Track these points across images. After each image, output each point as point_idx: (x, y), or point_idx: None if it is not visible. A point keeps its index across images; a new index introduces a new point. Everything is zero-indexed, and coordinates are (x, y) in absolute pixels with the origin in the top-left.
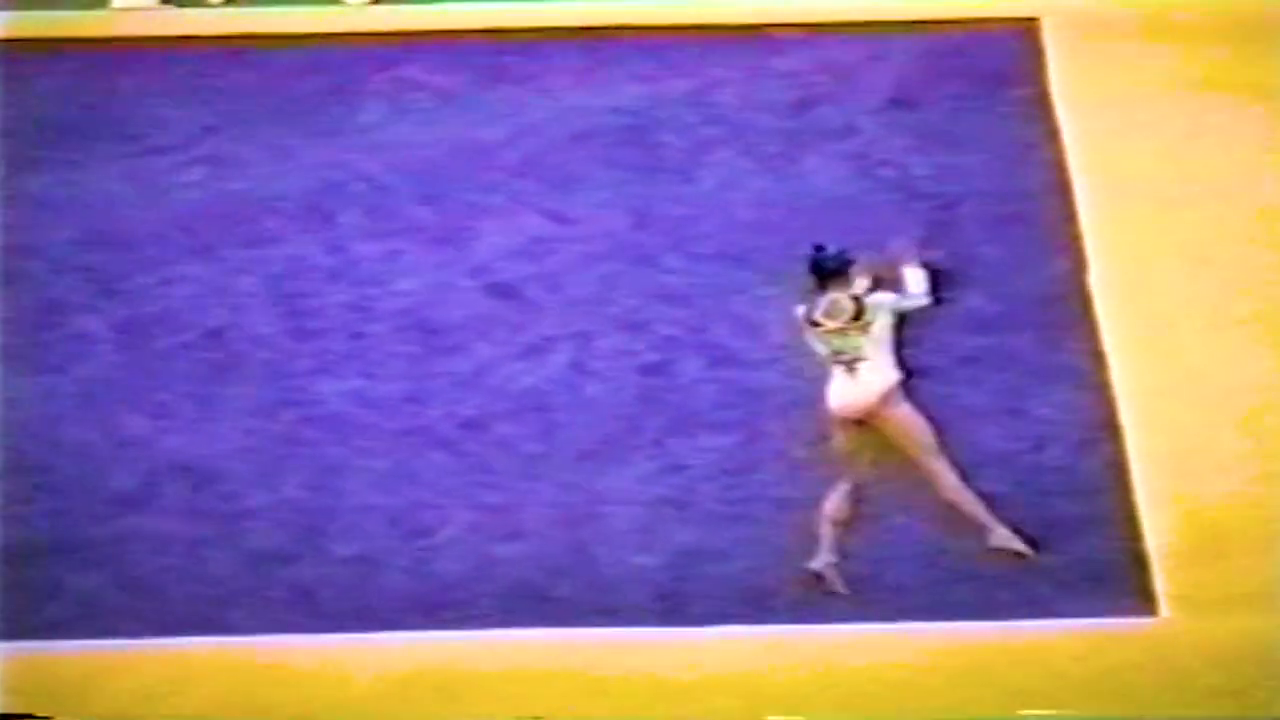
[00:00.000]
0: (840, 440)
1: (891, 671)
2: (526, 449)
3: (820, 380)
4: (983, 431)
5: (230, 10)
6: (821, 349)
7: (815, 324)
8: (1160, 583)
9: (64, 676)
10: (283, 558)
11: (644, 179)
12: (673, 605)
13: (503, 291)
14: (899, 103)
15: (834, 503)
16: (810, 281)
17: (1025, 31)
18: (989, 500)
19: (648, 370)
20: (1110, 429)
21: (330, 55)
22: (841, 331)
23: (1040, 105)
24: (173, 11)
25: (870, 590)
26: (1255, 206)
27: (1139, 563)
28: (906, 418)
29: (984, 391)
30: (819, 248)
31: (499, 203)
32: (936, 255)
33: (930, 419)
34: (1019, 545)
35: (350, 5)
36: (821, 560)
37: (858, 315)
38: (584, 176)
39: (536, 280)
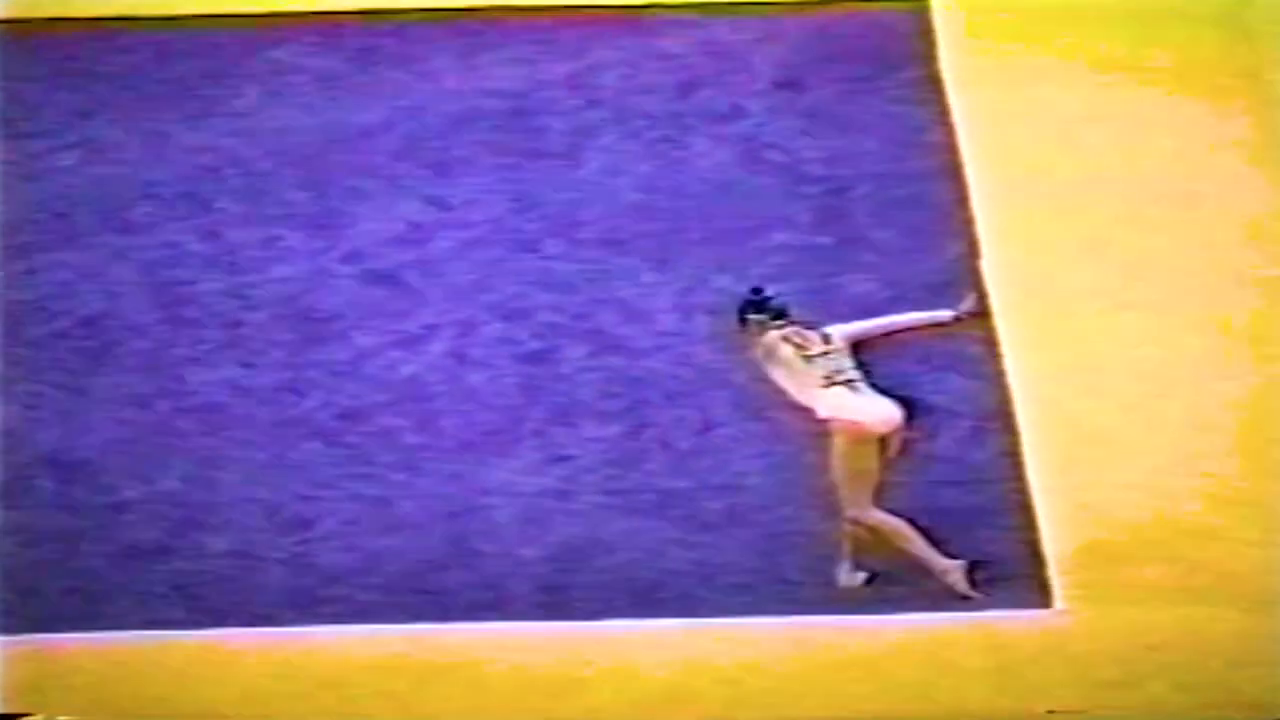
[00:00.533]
0: (858, 456)
1: (781, 666)
2: (406, 440)
3: (709, 369)
4: None
5: None
6: (815, 372)
7: (799, 345)
8: (1055, 575)
9: None
10: (159, 551)
11: (525, 163)
12: (556, 599)
13: (382, 279)
14: (786, 85)
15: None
16: (751, 325)
17: (915, 12)
18: (877, 490)
19: (530, 359)
20: (1003, 418)
21: (205, 38)
22: (826, 354)
23: (931, 88)
24: None
25: (761, 584)
26: (1150, 190)
27: (1033, 555)
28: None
29: (874, 378)
30: (757, 290)
31: (377, 188)
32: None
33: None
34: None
35: None
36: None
37: (825, 340)
38: (464, 161)
39: (416, 267)
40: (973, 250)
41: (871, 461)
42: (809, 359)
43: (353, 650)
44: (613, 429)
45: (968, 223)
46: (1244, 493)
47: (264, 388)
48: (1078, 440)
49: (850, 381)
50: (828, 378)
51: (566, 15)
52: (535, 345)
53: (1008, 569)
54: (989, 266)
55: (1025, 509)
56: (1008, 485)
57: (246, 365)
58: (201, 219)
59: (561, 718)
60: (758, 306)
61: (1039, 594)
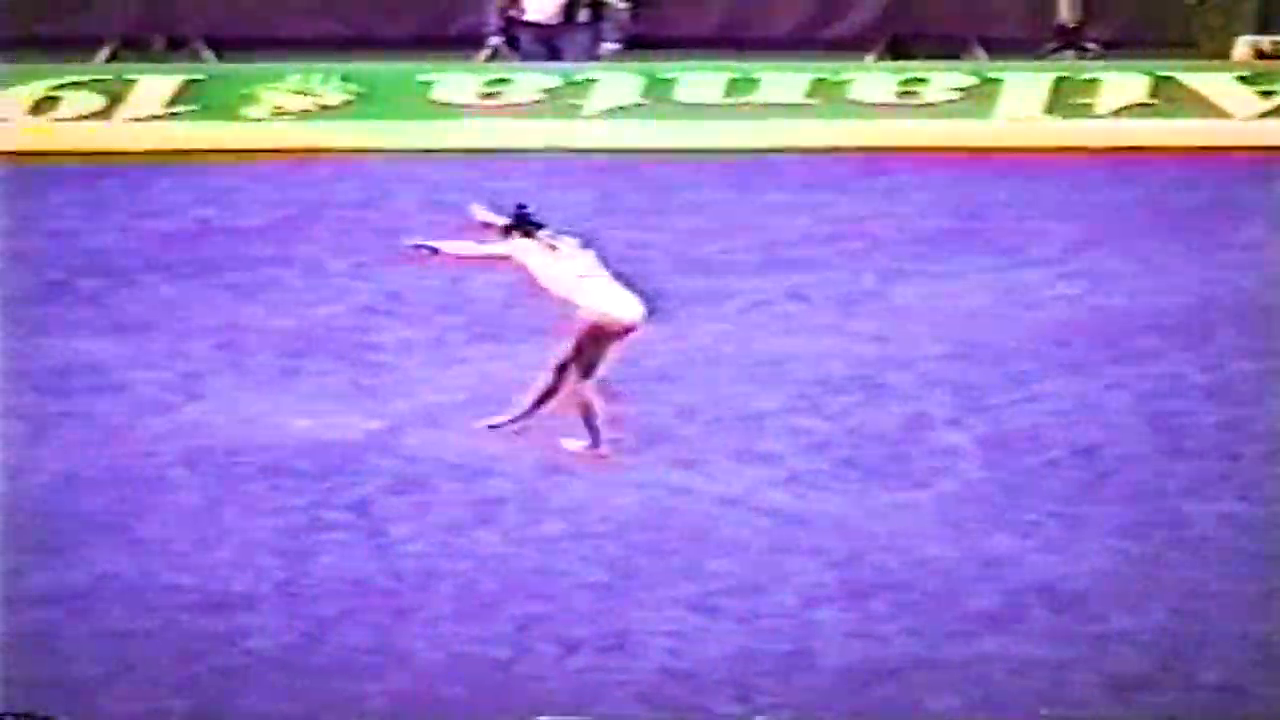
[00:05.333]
0: (598, 342)
1: None
2: None
3: None
4: None
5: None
6: (570, 268)
7: (553, 247)
8: None
9: None
10: (1144, 684)
11: None
12: None
13: None
14: None
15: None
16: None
17: None
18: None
19: None
20: None
21: (1212, 169)
22: (575, 258)
23: None
24: (1051, 124)
25: None
26: None
27: None
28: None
29: None
30: (521, 207)
31: None
32: None
33: None
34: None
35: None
36: None
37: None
38: None
39: None
40: None
41: (604, 347)
42: (560, 261)
43: None
44: None
45: None
46: None
47: (1259, 521)
48: None
49: (601, 279)
50: (582, 275)
51: None
52: None
53: None
54: None
55: None
56: None
57: (1243, 499)
58: (1202, 350)
59: None
60: (522, 219)
61: None
